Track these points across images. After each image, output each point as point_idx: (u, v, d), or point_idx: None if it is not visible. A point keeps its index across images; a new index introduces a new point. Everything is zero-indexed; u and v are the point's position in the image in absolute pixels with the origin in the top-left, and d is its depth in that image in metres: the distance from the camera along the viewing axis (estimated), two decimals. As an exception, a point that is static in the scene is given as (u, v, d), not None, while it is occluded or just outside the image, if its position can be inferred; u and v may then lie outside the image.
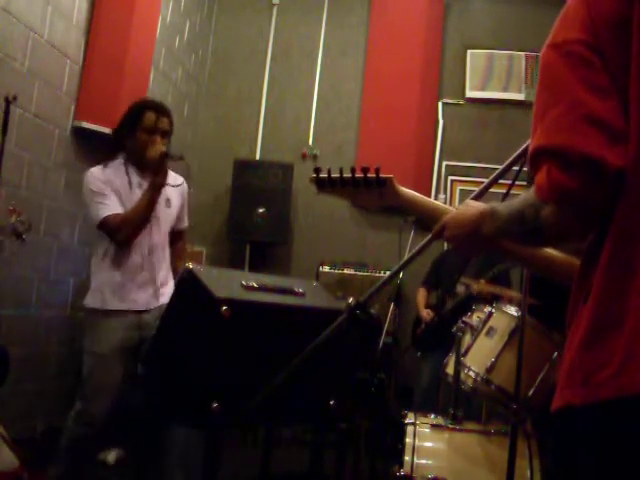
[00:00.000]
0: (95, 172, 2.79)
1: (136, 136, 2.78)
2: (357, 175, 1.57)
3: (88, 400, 2.72)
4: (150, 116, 2.79)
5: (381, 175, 1.56)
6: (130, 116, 2.83)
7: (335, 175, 1.58)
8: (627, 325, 0.96)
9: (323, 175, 1.60)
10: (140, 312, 2.81)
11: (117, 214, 2.72)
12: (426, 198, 1.69)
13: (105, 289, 2.79)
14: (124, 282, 2.80)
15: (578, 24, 1.03)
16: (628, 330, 0.95)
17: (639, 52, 0.99)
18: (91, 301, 2.80)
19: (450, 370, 2.86)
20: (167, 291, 2.84)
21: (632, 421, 0.94)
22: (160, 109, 2.84)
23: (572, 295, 1.08)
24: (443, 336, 3.87)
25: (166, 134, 2.82)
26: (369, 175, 1.56)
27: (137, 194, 2.79)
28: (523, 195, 1.09)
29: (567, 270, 1.47)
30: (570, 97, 1.00)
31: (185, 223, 3.11)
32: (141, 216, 2.75)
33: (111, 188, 2.76)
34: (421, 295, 4.31)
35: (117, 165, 2.84)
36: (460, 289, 3.93)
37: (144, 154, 2.74)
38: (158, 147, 2.73)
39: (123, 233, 2.73)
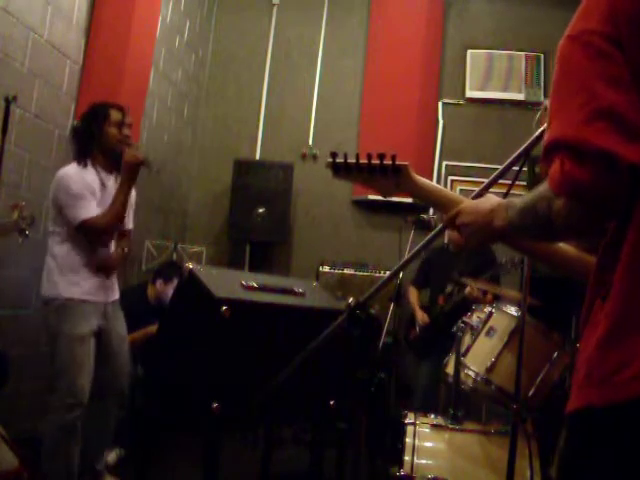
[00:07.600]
0: (72, 174, 2.85)
1: (105, 131, 2.91)
2: (373, 161, 1.56)
3: (71, 380, 2.76)
4: (116, 113, 2.95)
5: (397, 162, 1.56)
6: (95, 114, 2.95)
7: (351, 161, 1.58)
8: None
9: (339, 160, 1.59)
10: (104, 303, 2.96)
11: (96, 218, 2.82)
12: (442, 187, 1.68)
13: (80, 281, 2.85)
14: (97, 275, 2.91)
15: (598, 15, 1.00)
16: None
17: None
18: (67, 292, 2.83)
19: (450, 370, 2.86)
20: (116, 287, 3.06)
21: None
22: (121, 107, 3.01)
23: (588, 292, 1.06)
24: (439, 339, 3.87)
25: (131, 126, 3.01)
26: (385, 162, 1.56)
27: (108, 192, 2.91)
28: (538, 188, 1.08)
29: (579, 267, 1.46)
30: (587, 90, 0.97)
31: (131, 224, 3.20)
32: (118, 219, 2.91)
33: (89, 191, 2.85)
34: (413, 294, 4.29)
35: (87, 165, 2.92)
36: (450, 288, 3.92)
37: (116, 148, 2.89)
38: (135, 151, 2.86)
39: (102, 238, 2.91)
